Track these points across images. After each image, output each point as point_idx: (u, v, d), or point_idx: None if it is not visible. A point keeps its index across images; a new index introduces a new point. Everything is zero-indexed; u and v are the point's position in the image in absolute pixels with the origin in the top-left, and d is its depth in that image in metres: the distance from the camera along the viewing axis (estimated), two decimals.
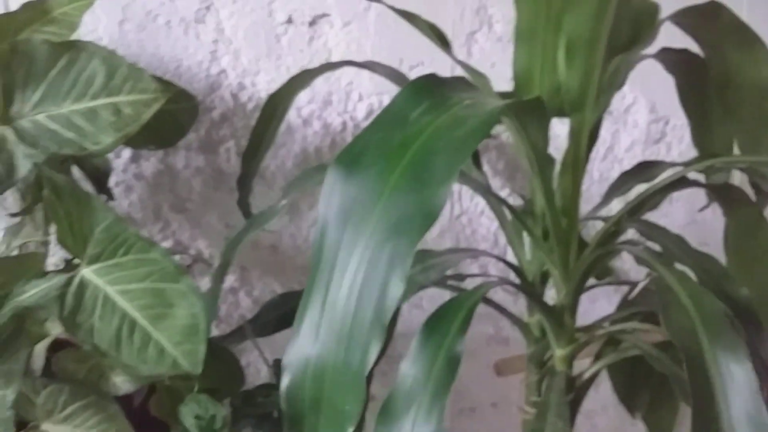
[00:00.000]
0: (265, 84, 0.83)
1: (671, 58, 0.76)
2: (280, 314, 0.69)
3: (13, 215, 0.62)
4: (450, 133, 0.40)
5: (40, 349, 0.57)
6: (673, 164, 0.73)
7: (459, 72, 0.68)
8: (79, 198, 0.52)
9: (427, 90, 0.45)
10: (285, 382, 0.40)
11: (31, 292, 0.50)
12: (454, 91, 0.47)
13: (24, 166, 0.54)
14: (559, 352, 0.63)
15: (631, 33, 0.64)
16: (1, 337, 0.48)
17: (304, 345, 0.40)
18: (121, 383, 0.56)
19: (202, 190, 0.83)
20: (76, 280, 0.51)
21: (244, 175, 0.75)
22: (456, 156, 0.39)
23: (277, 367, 0.64)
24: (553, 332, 0.63)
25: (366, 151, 0.41)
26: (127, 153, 0.80)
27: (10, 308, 0.49)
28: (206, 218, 0.84)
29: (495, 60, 0.92)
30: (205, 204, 0.83)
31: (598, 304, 0.96)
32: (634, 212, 0.69)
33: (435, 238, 0.93)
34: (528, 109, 0.50)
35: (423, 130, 0.41)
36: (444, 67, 0.88)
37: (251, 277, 0.86)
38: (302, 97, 0.85)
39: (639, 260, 0.59)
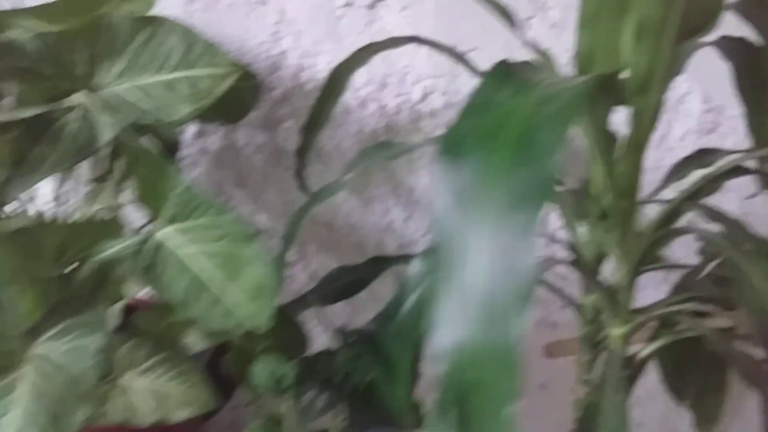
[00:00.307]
0: (324, 65, 0.85)
1: (729, 46, 0.76)
2: (339, 286, 0.72)
3: (92, 181, 0.65)
4: (544, 108, 0.41)
5: (116, 309, 0.60)
6: (732, 151, 0.73)
7: (515, 55, 0.69)
8: (156, 163, 0.55)
9: (506, 75, 0.47)
10: (438, 371, 0.41)
11: (111, 251, 0.53)
12: (530, 75, 0.48)
13: (106, 134, 0.57)
14: (615, 332, 0.64)
15: (698, 20, 0.64)
16: (83, 291, 0.51)
17: (447, 332, 0.41)
18: (194, 342, 0.58)
19: (262, 167, 0.86)
20: (152, 239, 0.54)
21: (302, 147, 0.77)
22: (558, 127, 0.40)
23: (339, 334, 0.66)
24: (609, 311, 0.64)
25: (465, 137, 0.43)
26: (192, 128, 0.82)
27: (91, 264, 0.52)
28: (266, 194, 0.86)
29: (549, 45, 0.93)
30: (264, 180, 0.86)
31: (646, 292, 0.96)
32: (691, 198, 0.70)
33: None
34: (603, 89, 0.51)
35: (516, 110, 0.42)
36: (499, 50, 0.89)
37: (307, 251, 0.89)
38: (359, 79, 0.87)
39: (708, 243, 0.60)
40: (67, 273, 0.52)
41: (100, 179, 0.67)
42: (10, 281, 0.49)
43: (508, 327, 0.39)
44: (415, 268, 0.66)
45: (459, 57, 0.75)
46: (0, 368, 0.47)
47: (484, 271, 0.40)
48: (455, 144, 0.43)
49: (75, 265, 0.54)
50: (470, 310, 0.41)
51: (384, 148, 0.69)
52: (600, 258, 0.69)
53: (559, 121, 0.40)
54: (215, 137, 0.84)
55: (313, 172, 0.81)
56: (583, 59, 0.60)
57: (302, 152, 0.78)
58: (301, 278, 0.89)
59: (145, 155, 0.54)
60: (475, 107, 0.45)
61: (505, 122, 0.42)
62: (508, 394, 0.40)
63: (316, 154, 0.86)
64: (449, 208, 0.42)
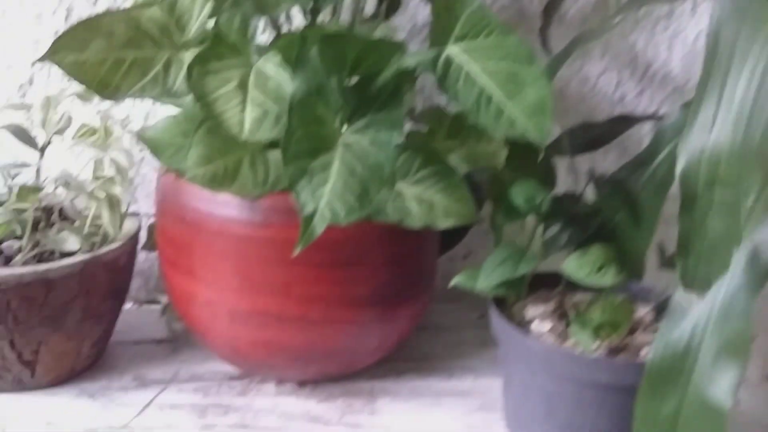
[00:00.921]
0: None
1: None
2: (584, 140, 0.74)
3: (369, 19, 0.71)
4: None
5: None
6: None
7: None
8: None
9: None
10: (681, 166, 0.44)
11: (407, 63, 0.58)
12: None
13: None
14: None
15: None
16: (385, 93, 0.57)
17: (699, 135, 0.44)
18: (456, 166, 0.63)
19: None
20: (445, 54, 0.59)
21: (549, 6, 0.79)
22: None
23: (588, 177, 0.68)
24: None
25: None
26: None
27: (392, 69, 0.57)
28: None
29: None
30: None
31: None
32: None
33: None
34: None
35: None
36: None
37: None
38: None
39: None
40: (366, 80, 0.58)
41: (379, 14, 0.73)
42: (327, 73, 0.55)
43: (760, 135, 0.41)
44: (671, 119, 0.66)
45: None
46: (321, 147, 0.54)
47: (751, 85, 0.42)
48: None
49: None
50: (724, 118, 0.43)
51: None
52: None
53: None
54: None
55: (552, 35, 0.82)
56: None
57: (549, 11, 0.80)
58: None
59: None
60: None
61: None
62: (752, 190, 0.42)
63: (558, 18, 0.87)
64: (726, 20, 0.44)
